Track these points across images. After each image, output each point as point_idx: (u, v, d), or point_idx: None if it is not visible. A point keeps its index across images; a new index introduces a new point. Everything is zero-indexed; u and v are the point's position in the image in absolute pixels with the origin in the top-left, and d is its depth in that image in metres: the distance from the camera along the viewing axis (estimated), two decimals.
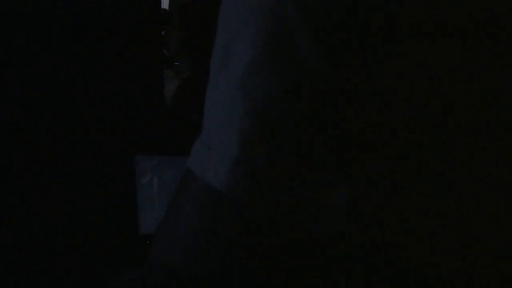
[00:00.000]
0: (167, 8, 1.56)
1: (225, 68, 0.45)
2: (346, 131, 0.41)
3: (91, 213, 1.40)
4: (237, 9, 0.44)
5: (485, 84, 0.41)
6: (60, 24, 1.32)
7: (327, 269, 0.41)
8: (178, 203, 0.50)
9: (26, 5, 1.26)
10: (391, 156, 0.41)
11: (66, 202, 1.37)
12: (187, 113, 1.50)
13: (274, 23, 0.41)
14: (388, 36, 0.39)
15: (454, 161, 0.41)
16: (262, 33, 0.41)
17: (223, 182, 0.42)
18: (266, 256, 0.42)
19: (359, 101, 0.40)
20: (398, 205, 0.41)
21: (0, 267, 1.30)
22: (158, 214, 1.41)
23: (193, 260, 0.44)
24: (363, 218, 0.40)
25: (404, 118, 0.40)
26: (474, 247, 0.42)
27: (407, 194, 0.41)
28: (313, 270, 0.41)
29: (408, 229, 0.42)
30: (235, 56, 0.43)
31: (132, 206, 1.39)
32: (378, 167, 0.40)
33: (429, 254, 0.42)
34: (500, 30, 0.40)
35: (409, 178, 0.41)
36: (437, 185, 0.41)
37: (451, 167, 0.41)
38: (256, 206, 0.41)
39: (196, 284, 0.45)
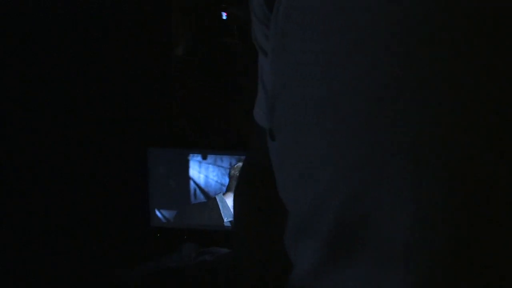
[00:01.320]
0: None
1: None
2: None
3: (104, 204, 1.42)
4: None
5: None
6: (65, 21, 1.34)
7: None
8: None
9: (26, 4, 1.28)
10: None
11: (79, 194, 1.40)
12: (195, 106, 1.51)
13: None
14: None
15: None
16: None
17: None
18: None
19: None
20: None
21: (11, 254, 1.32)
22: (169, 206, 1.42)
23: None
24: None
25: None
26: None
27: None
28: None
29: None
30: None
31: (144, 198, 1.41)
32: None
33: None
34: None
35: None
36: None
37: None
38: None
39: None
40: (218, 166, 1.38)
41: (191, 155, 1.39)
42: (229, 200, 1.39)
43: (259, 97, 0.58)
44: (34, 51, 1.31)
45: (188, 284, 1.31)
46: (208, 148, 1.39)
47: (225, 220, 1.40)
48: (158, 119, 1.49)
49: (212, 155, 1.37)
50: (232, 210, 1.39)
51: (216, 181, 1.39)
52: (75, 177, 1.40)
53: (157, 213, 1.42)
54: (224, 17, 1.48)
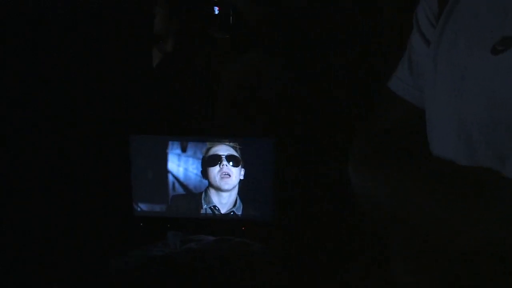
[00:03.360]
0: None
1: None
2: None
3: (86, 194, 1.39)
4: None
5: None
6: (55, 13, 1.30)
7: None
8: None
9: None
10: None
11: (60, 184, 1.37)
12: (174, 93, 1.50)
13: None
14: None
15: None
16: None
17: None
18: None
19: None
20: None
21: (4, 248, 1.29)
22: (151, 194, 1.40)
23: None
24: None
25: None
26: None
27: None
28: None
29: None
30: None
31: (126, 186, 1.39)
32: None
33: None
34: None
35: None
36: None
37: None
38: None
39: None
40: (198, 158, 1.37)
41: (170, 147, 1.37)
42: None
43: (402, 73, 0.69)
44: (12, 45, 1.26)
45: (177, 272, 1.31)
46: (189, 135, 1.37)
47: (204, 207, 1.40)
48: (140, 107, 1.47)
49: (192, 147, 1.36)
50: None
51: (196, 174, 1.38)
52: (55, 166, 1.36)
53: (139, 202, 1.40)
54: (216, 12, 1.46)
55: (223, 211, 1.39)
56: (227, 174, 1.36)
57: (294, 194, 1.45)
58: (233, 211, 1.39)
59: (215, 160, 1.36)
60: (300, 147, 1.46)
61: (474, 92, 0.51)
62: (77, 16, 1.34)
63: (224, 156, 1.36)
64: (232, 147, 1.36)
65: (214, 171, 1.36)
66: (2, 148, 1.30)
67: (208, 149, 1.37)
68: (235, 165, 1.36)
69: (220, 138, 1.35)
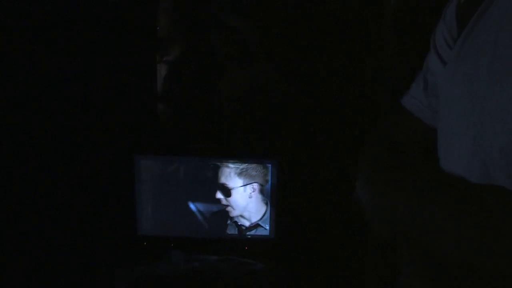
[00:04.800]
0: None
1: None
2: None
3: (92, 211, 1.41)
4: None
5: None
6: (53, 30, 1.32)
7: None
8: None
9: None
10: None
11: (66, 201, 1.38)
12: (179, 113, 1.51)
13: None
14: None
15: None
16: None
17: None
18: None
19: None
20: None
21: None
22: (155, 215, 1.41)
23: None
24: None
25: None
26: None
27: None
28: None
29: None
30: None
31: (131, 206, 1.40)
32: None
33: None
34: None
35: None
36: None
37: None
38: None
39: None
40: (202, 179, 1.39)
41: (179, 163, 1.39)
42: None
43: (416, 89, 0.71)
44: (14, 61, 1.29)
45: None
46: (196, 155, 1.39)
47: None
48: (145, 127, 1.49)
49: (194, 168, 1.39)
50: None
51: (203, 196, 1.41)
52: (62, 185, 1.38)
53: (144, 221, 1.41)
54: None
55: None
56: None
57: (296, 213, 1.46)
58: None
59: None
60: (302, 167, 1.47)
61: (495, 122, 0.53)
62: (82, 39, 1.37)
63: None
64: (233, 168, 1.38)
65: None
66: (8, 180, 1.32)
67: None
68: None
69: (224, 159, 1.37)
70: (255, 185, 1.38)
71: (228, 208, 1.40)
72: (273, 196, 1.38)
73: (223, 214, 1.40)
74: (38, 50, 1.31)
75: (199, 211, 1.41)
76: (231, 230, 1.41)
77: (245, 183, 1.38)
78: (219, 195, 1.38)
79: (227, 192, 1.38)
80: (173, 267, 1.37)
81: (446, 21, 0.67)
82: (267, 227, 1.40)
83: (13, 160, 1.33)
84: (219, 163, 1.37)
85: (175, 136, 1.51)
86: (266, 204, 1.39)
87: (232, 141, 1.49)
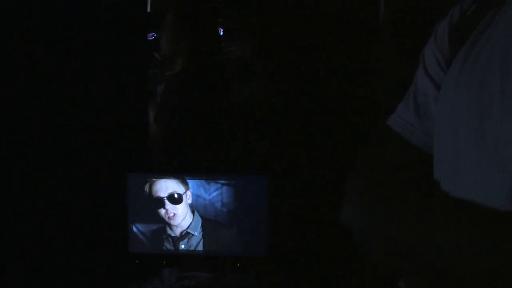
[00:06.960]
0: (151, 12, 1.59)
1: None
2: None
3: (83, 229, 1.40)
4: None
5: None
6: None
7: None
8: None
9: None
10: None
11: (59, 218, 1.38)
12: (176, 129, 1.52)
13: None
14: None
15: None
16: None
17: None
18: None
19: None
20: None
21: None
22: (147, 233, 1.41)
23: None
24: None
25: None
26: None
27: None
28: None
29: None
30: None
31: (123, 223, 1.40)
32: None
33: None
34: None
35: None
36: None
37: None
38: None
39: None
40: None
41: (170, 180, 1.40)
42: None
43: (406, 111, 0.68)
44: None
45: None
46: (188, 173, 1.40)
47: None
48: (138, 144, 1.50)
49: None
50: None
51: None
52: (55, 201, 1.38)
53: (136, 237, 1.41)
54: (221, 33, 1.49)
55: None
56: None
57: (288, 229, 1.47)
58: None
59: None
60: (293, 183, 1.48)
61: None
62: (81, 53, 1.38)
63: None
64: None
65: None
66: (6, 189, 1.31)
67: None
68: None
69: (217, 175, 1.38)
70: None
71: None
72: (267, 212, 1.38)
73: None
74: (38, 50, 1.31)
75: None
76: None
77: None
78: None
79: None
80: (165, 285, 1.37)
81: (438, 40, 0.66)
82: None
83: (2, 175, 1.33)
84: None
85: (169, 154, 1.52)
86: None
87: (225, 159, 1.50)
